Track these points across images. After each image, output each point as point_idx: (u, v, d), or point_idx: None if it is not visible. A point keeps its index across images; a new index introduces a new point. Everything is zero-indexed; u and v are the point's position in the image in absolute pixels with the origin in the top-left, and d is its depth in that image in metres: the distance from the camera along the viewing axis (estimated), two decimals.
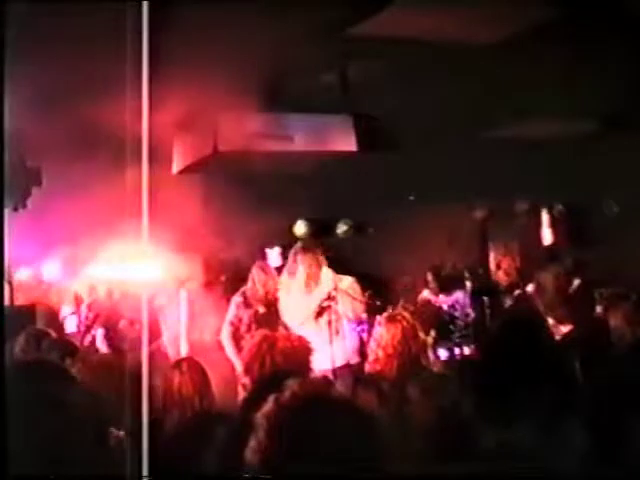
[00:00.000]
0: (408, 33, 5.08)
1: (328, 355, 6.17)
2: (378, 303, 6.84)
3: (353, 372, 6.12)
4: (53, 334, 5.57)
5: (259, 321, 6.88)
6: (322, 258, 6.62)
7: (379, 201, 9.52)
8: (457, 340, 8.24)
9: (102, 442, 2.61)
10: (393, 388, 4.21)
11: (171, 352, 7.11)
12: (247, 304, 7.06)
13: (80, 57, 4.85)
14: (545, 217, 10.16)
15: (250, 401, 3.18)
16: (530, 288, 8.20)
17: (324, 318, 6.44)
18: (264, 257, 9.45)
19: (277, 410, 1.97)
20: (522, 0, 4.73)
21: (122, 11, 3.15)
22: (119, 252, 6.12)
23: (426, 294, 8.84)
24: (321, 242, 6.91)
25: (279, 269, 7.40)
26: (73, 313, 8.24)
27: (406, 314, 4.91)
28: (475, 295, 8.81)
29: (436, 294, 8.79)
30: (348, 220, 11.19)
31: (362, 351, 6.25)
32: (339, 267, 6.82)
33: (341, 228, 11.20)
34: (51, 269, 9.15)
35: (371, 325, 5.80)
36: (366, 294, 6.88)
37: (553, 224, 10.08)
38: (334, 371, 6.15)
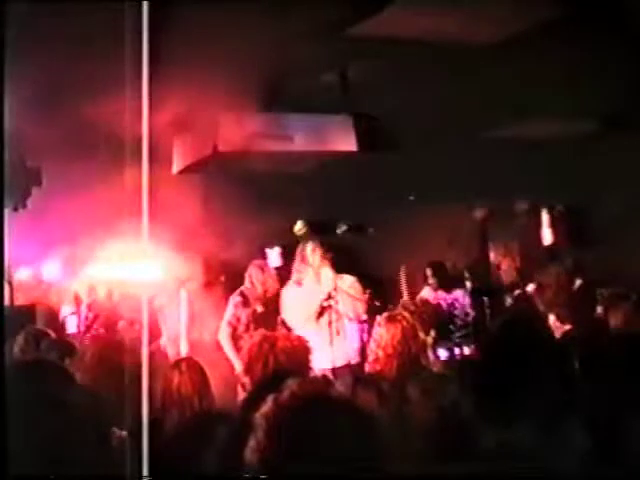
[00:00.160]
0: (408, 33, 5.08)
1: (329, 355, 6.17)
2: (378, 304, 6.84)
3: (353, 372, 6.12)
4: (52, 334, 5.58)
5: (257, 320, 6.88)
6: (326, 257, 6.62)
7: (379, 201, 9.51)
8: (457, 340, 8.24)
9: (102, 442, 2.61)
10: (393, 388, 4.20)
11: (171, 352, 7.11)
12: (245, 303, 7.05)
13: (80, 57, 4.85)
14: (545, 217, 10.15)
15: (250, 401, 3.18)
16: (530, 288, 8.21)
17: (325, 318, 6.45)
18: (264, 257, 9.43)
19: (276, 410, 1.96)
20: (522, 0, 4.74)
21: (122, 11, 3.15)
22: (119, 252, 6.11)
23: (425, 292, 8.81)
24: (321, 242, 6.88)
25: (279, 269, 7.39)
26: (73, 313, 8.23)
27: (406, 314, 4.91)
28: (475, 295, 8.81)
29: (435, 290, 8.77)
30: (348, 220, 11.18)
31: (363, 351, 6.25)
32: (339, 267, 6.81)
33: (341, 228, 11.19)
34: (51, 269, 9.13)
35: (371, 325, 5.80)
36: (366, 294, 6.88)
37: (553, 224, 10.07)
38: (334, 371, 6.15)
